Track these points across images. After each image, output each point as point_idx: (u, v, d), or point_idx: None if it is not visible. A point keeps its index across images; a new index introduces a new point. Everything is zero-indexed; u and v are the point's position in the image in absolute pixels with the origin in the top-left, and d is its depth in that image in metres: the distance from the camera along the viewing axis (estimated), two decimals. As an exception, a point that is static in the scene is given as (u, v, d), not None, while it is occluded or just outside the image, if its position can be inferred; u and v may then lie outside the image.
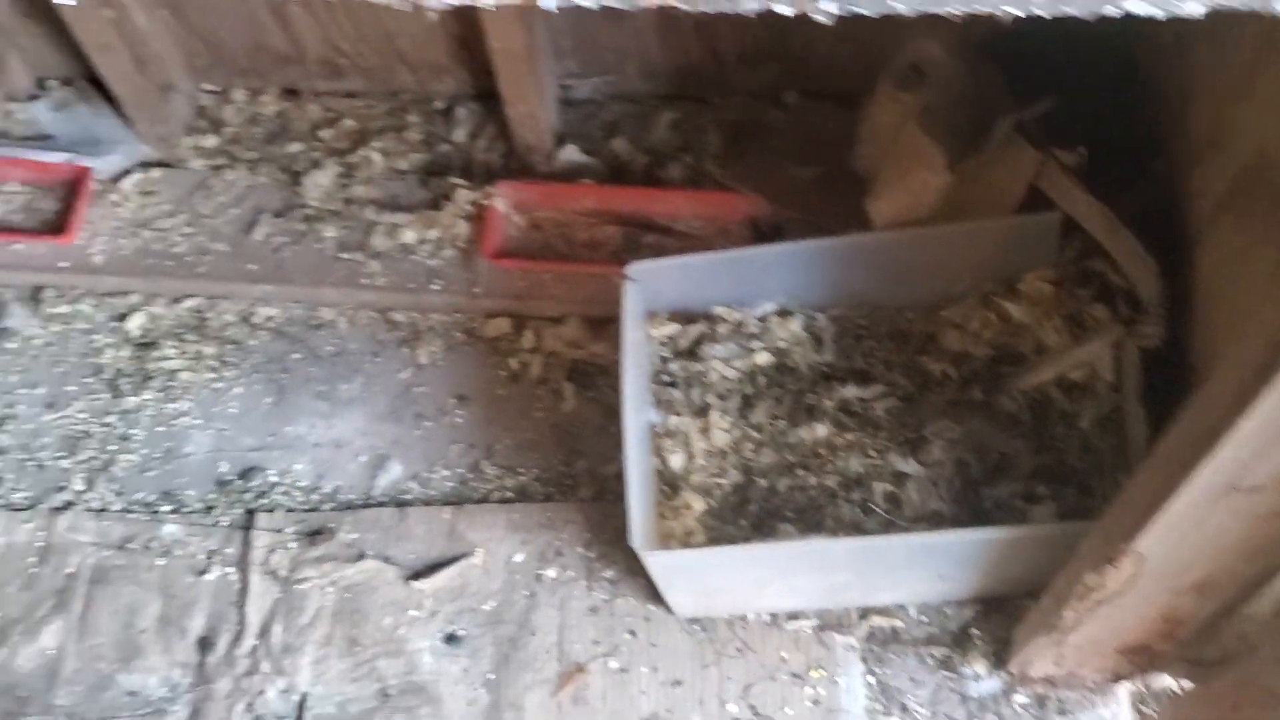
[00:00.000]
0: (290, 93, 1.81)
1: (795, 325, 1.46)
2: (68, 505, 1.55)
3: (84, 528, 1.53)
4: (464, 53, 1.69)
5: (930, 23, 1.39)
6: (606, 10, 1.65)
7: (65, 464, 1.59)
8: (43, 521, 1.54)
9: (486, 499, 1.52)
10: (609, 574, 1.45)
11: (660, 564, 1.26)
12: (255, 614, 1.46)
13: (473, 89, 1.76)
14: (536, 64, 1.56)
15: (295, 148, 1.77)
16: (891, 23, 1.40)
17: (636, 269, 1.38)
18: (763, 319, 1.47)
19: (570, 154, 1.69)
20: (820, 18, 0.56)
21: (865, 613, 1.39)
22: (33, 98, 1.81)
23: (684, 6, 0.57)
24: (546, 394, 1.58)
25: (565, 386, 1.58)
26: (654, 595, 1.41)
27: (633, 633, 1.41)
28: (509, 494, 1.52)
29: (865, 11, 0.55)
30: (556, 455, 1.54)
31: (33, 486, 1.57)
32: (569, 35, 1.63)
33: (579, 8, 1.61)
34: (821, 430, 1.40)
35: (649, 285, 1.41)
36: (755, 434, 1.41)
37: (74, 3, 1.55)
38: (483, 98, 1.75)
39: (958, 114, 1.35)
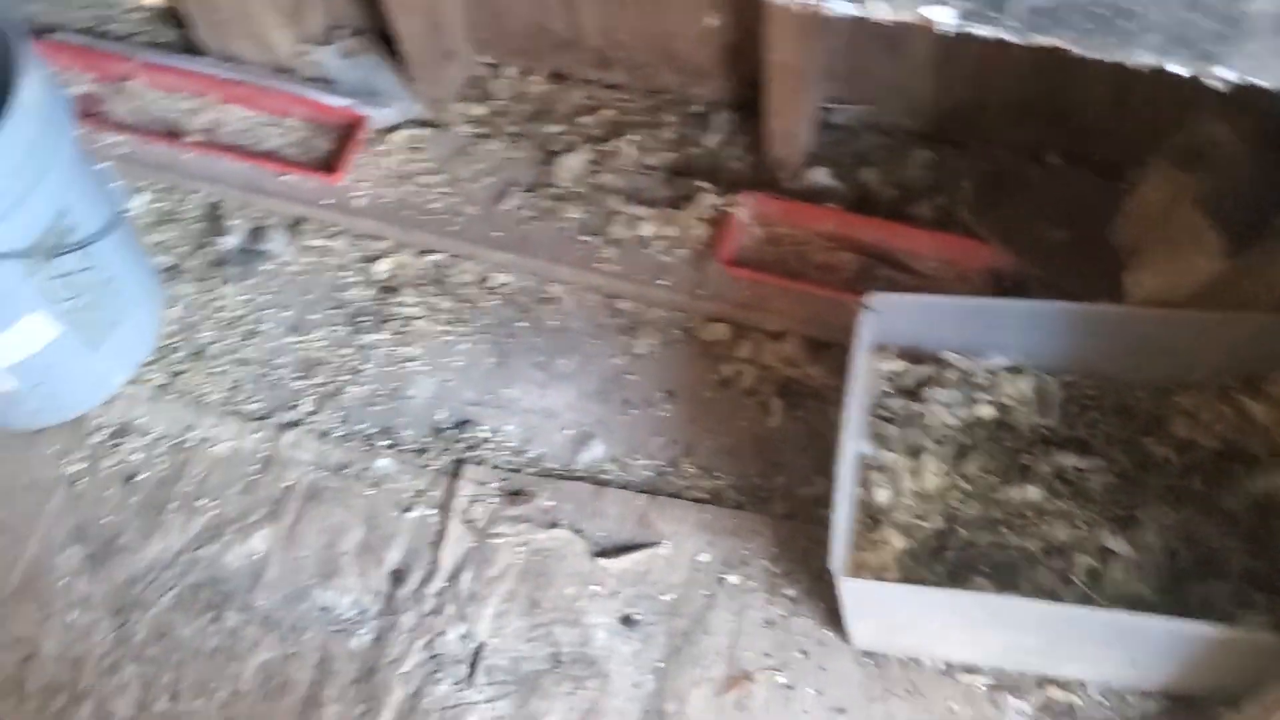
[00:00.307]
0: (558, 76, 1.89)
1: (1024, 384, 1.45)
2: (295, 424, 1.65)
3: (306, 447, 1.63)
4: (733, 61, 1.73)
5: (1220, 104, 1.36)
6: (890, 41, 1.67)
7: (298, 385, 1.69)
8: (270, 434, 1.65)
9: (680, 495, 1.55)
10: (790, 592, 1.46)
11: (854, 591, 1.26)
12: (448, 558, 1.53)
13: (732, 97, 1.80)
14: (806, 82, 1.59)
15: (554, 129, 1.85)
16: (1175, 98, 1.38)
17: (877, 300, 1.39)
18: (992, 372, 1.46)
19: (819, 176, 1.71)
20: (1215, 84, 0.57)
21: (1043, 681, 1.37)
22: (323, 44, 1.93)
23: (1076, 50, 0.58)
24: (754, 406, 1.61)
25: (774, 402, 1.60)
26: (832, 621, 1.42)
27: (804, 653, 1.42)
28: (703, 495, 1.55)
29: (1265, 84, 0.55)
30: (755, 467, 1.57)
31: (267, 400, 1.68)
32: (843, 59, 1.65)
33: (862, 37, 1.63)
34: (1032, 493, 1.39)
35: (884, 318, 1.42)
36: (965, 484, 1.41)
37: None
38: (740, 107, 1.79)
39: (1237, 201, 1.32)
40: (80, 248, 1.50)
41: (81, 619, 1.54)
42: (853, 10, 0.61)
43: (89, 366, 1.63)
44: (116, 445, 1.66)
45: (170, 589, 1.55)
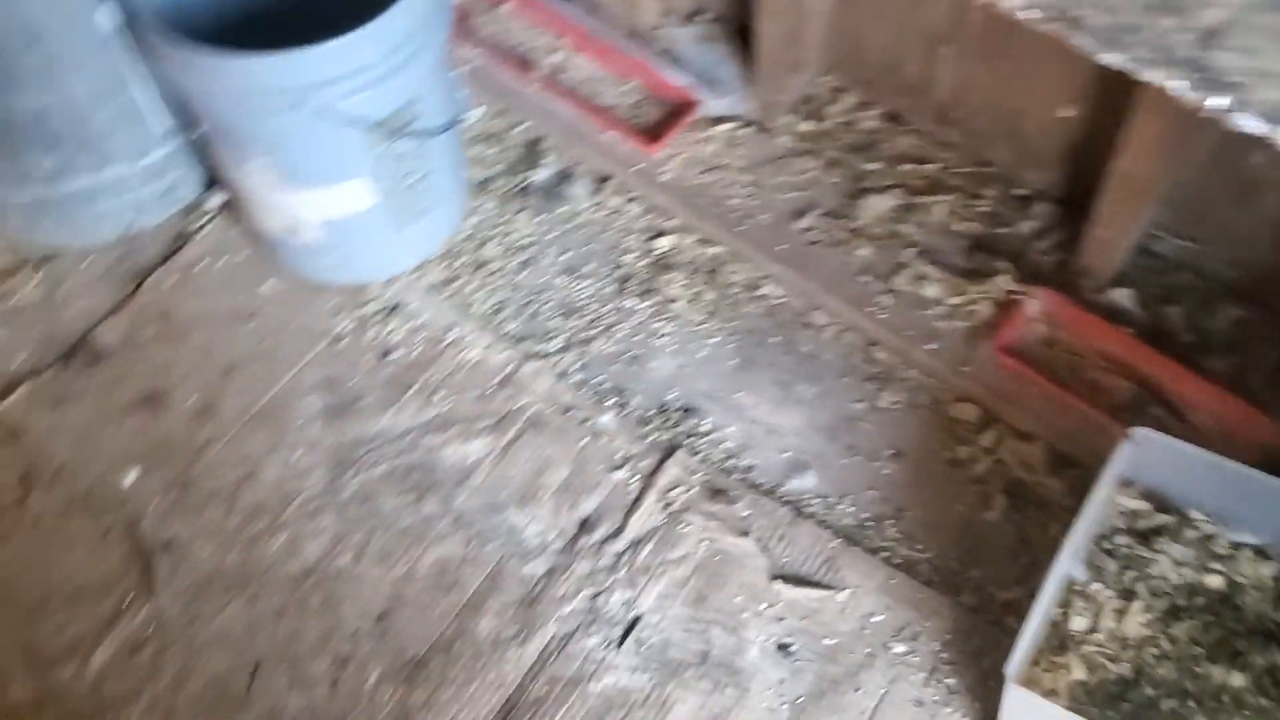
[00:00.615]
0: (893, 117, 1.90)
1: (1266, 571, 1.37)
2: (541, 356, 1.74)
3: (544, 380, 1.71)
4: (1074, 156, 1.70)
5: None
6: (1244, 188, 1.60)
7: (554, 323, 1.77)
8: (516, 356, 1.73)
9: (875, 552, 1.54)
10: (950, 681, 1.43)
11: (1022, 702, 1.23)
12: (636, 526, 1.57)
13: (1059, 191, 1.76)
14: (1144, 200, 1.55)
15: (871, 166, 1.86)
16: None
17: (1142, 434, 1.35)
18: (1235, 546, 1.38)
19: (1121, 296, 1.66)
20: None
21: None
22: (684, 23, 2.00)
23: None
24: (977, 495, 1.58)
25: (998, 498, 1.56)
26: (982, 726, 1.39)
27: (945, 746, 1.40)
28: (897, 560, 1.54)
29: None
30: (956, 552, 1.54)
31: (522, 327, 1.77)
32: (1187, 190, 1.59)
33: (1217, 175, 1.56)
34: (1237, 679, 1.31)
35: (1141, 455, 1.37)
36: (1167, 645, 1.34)
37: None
38: (1064, 203, 1.76)
39: None
40: (418, 136, 1.63)
41: (303, 460, 1.67)
42: (1264, 130, 0.60)
43: (387, 243, 1.77)
44: (384, 320, 1.79)
45: (387, 461, 1.65)
